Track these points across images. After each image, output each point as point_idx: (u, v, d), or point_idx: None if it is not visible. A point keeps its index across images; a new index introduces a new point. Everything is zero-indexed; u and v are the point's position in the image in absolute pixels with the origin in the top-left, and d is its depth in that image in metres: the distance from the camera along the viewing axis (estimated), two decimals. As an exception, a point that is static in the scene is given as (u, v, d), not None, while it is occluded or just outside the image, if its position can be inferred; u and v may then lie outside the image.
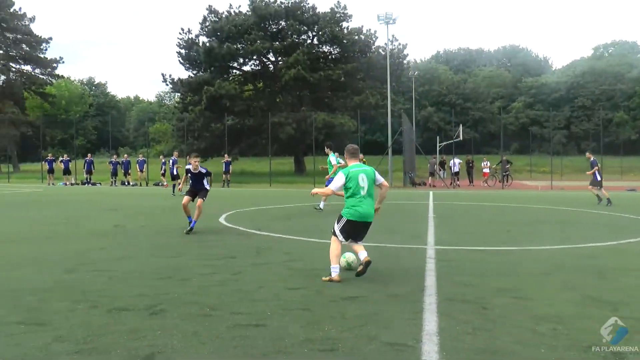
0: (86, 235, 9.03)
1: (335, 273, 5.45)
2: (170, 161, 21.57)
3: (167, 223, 10.93)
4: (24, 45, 48.53)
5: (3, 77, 48.35)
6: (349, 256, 5.92)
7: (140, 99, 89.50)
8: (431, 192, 23.00)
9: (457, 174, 29.67)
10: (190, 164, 9.65)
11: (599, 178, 16.09)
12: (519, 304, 4.69)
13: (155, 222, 11.16)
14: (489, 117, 60.14)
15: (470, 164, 31.71)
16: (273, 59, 42.62)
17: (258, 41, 38.53)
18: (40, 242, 8.35)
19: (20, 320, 4.13)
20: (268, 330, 3.91)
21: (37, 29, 55.57)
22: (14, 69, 48.93)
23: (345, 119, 37.41)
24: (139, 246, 7.95)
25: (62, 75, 54.72)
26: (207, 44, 39.62)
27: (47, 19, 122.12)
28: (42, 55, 49.20)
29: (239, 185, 28.98)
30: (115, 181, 29.14)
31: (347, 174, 5.61)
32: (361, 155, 14.83)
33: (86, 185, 29.03)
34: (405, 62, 44.73)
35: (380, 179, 5.74)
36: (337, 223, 5.68)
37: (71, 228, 10.15)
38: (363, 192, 5.58)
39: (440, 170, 32.45)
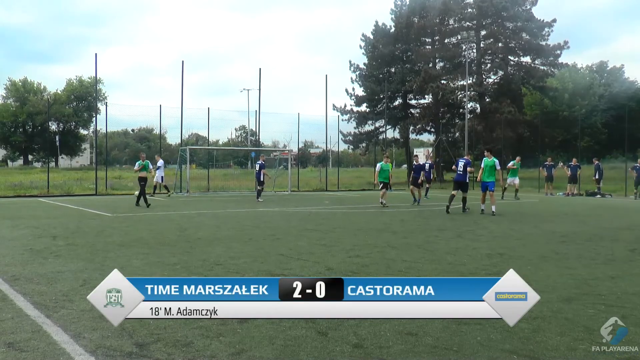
0: (599, 261, 8.88)
1: None
2: None
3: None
4: (523, 34, 50.78)
5: (501, 73, 51.62)
6: None
7: (673, 80, 77.17)
8: None
9: None
10: None
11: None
12: None
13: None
14: None
15: None
16: None
17: None
18: (539, 261, 8.86)
19: (512, 349, 4.41)
20: None
21: (538, 12, 57.54)
22: (512, 62, 51.79)
23: None
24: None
25: (566, 64, 54.07)
26: None
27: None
28: (543, 43, 50.42)
29: None
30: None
31: None
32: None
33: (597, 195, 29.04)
34: None
35: None
36: None
37: (581, 246, 10.34)
38: None
39: None
